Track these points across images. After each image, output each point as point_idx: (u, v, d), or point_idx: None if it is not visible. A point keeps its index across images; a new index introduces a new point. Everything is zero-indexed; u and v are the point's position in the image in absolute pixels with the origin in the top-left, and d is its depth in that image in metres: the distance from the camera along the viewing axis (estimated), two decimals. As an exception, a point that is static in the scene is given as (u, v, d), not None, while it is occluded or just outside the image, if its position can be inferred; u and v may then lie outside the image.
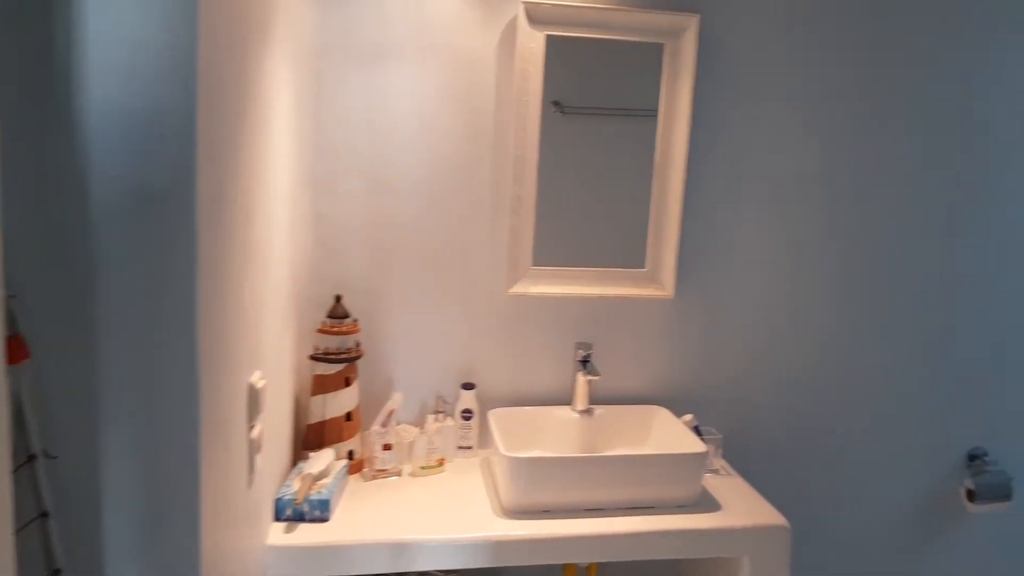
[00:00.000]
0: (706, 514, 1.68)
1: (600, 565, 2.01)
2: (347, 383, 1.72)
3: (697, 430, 1.90)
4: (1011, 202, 2.17)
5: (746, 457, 2.10)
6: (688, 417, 1.92)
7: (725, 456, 2.03)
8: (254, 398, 1.29)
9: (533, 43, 1.82)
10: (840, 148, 2.05)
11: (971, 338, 2.22)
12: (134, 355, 0.97)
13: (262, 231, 1.35)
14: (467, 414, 1.87)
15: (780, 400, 2.15)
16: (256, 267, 1.31)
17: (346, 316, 1.75)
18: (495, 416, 1.84)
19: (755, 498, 1.78)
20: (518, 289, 1.90)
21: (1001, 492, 2.22)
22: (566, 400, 1.98)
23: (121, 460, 0.99)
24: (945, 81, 2.07)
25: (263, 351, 1.38)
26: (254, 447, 1.31)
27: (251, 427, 1.30)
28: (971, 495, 2.23)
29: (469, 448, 1.89)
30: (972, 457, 2.28)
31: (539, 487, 1.60)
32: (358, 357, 1.76)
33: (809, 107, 2.02)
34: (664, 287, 1.99)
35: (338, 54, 1.76)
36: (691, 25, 1.87)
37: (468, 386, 1.89)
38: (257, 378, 1.30)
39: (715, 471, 1.91)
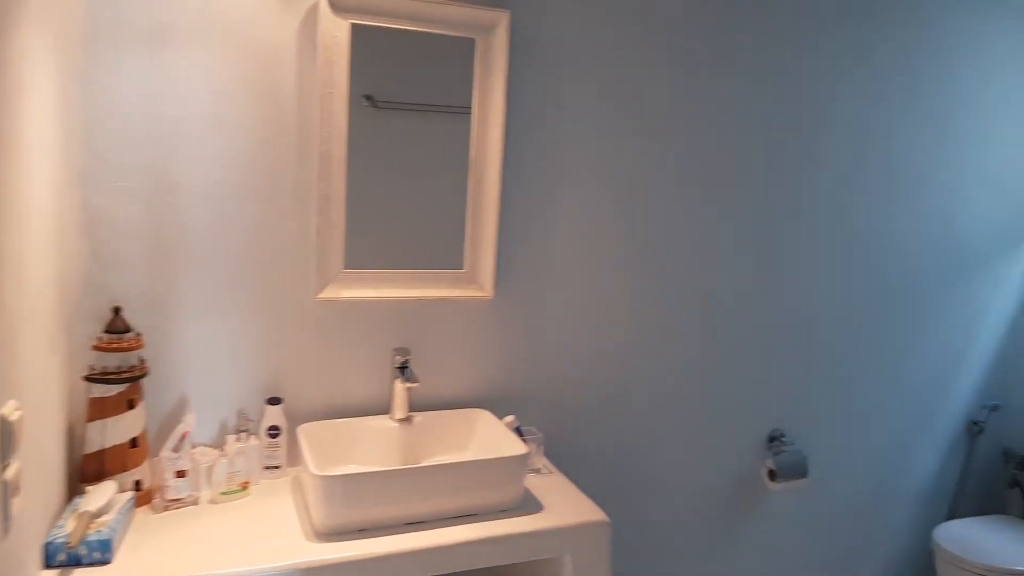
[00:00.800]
0: (528, 516, 1.67)
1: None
2: (131, 405, 1.55)
3: (519, 431, 1.90)
4: (809, 198, 2.36)
5: (568, 453, 2.13)
6: (510, 418, 1.91)
7: (547, 454, 2.04)
8: (7, 433, 1.12)
9: (337, 32, 1.73)
10: (654, 145, 2.13)
11: (770, 327, 2.39)
12: None
13: (15, 238, 1.17)
14: (274, 431, 1.75)
15: (598, 395, 2.20)
16: (7, 279, 1.14)
17: (127, 330, 1.57)
18: (305, 431, 1.73)
19: (576, 495, 1.80)
20: (328, 294, 1.81)
21: (798, 470, 2.42)
22: (384, 409, 1.91)
23: None
24: (755, 81, 2.21)
25: (18, 377, 1.20)
26: (10, 490, 1.14)
27: (4, 467, 1.12)
28: (772, 475, 2.41)
29: (277, 468, 1.77)
30: (772, 439, 2.47)
31: (354, 505, 1.52)
32: (143, 375, 1.58)
33: (623, 106, 2.07)
34: (483, 288, 1.97)
35: (112, 36, 1.57)
36: (502, 21, 1.85)
37: (274, 400, 1.77)
38: (11, 409, 1.13)
39: (537, 470, 1.91)
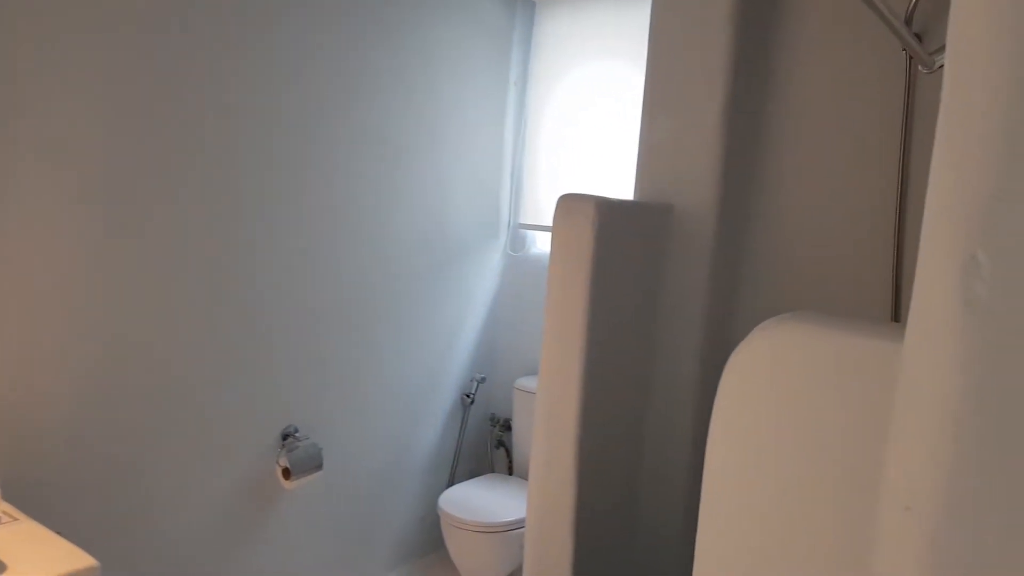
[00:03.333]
0: (-17, 584, 1.35)
1: None
2: None
3: (-36, 475, 1.52)
4: (313, 195, 2.35)
5: (39, 491, 1.79)
6: (-51, 462, 1.52)
7: (8, 498, 1.68)
8: None
9: None
10: (131, 125, 1.89)
11: (274, 325, 2.35)
12: None
13: None
14: None
15: (73, 415, 1.90)
16: None
17: None
18: None
19: (54, 541, 1.51)
20: None
21: (313, 464, 2.42)
22: None
23: None
24: (256, 74, 2.10)
25: None
26: None
27: None
28: (287, 473, 2.37)
29: None
30: (285, 436, 2.43)
31: None
32: None
33: (85, 82, 1.79)
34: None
35: None
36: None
37: None
38: None
39: (-4, 521, 1.56)
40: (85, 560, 1.46)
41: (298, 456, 2.38)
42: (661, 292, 2.21)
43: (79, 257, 1.84)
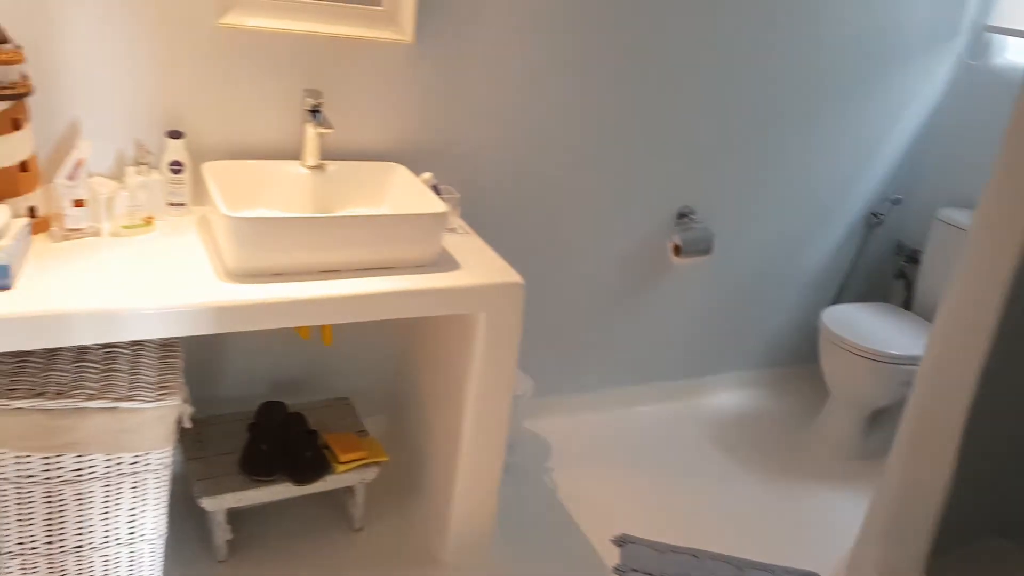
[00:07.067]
0: (444, 274, 1.77)
1: (336, 326, 2.10)
2: (16, 126, 1.50)
3: (436, 189, 1.97)
4: (747, -36, 2.36)
5: (482, 215, 2.24)
6: (427, 175, 1.97)
7: (463, 215, 2.14)
8: None
9: None
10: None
11: (694, 107, 2.49)
12: None
13: None
14: (176, 166, 1.75)
15: (515, 159, 2.28)
16: None
17: (4, 41, 1.49)
18: (211, 170, 1.74)
19: (491, 256, 1.91)
20: (232, 19, 1.74)
21: (703, 247, 2.63)
22: (292, 154, 1.93)
23: None
24: None
25: None
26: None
27: None
28: (677, 249, 2.61)
29: (182, 205, 1.79)
30: (681, 215, 2.65)
31: (267, 249, 1.57)
32: (27, 94, 1.52)
33: None
34: (403, 31, 1.93)
35: None
36: None
37: (175, 134, 1.74)
38: None
39: (453, 230, 2.02)
40: (513, 276, 1.84)
41: (690, 236, 2.60)
42: None
43: (538, 21, 2.13)
